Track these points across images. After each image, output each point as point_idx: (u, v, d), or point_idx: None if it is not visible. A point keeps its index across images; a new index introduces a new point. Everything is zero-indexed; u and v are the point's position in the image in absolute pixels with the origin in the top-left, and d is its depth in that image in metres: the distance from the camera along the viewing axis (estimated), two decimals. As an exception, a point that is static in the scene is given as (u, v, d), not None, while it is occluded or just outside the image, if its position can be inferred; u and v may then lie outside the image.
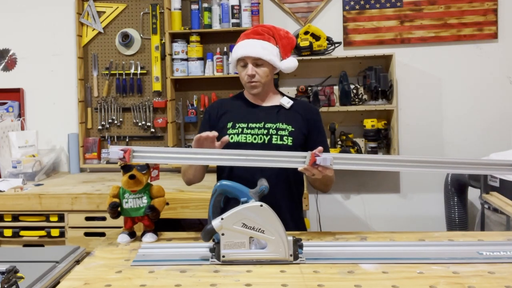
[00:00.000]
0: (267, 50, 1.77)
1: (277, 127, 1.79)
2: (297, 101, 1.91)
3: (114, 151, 1.56)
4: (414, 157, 1.64)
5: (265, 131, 1.78)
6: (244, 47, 1.79)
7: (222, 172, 1.83)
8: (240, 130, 1.80)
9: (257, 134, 1.78)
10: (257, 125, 1.80)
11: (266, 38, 1.79)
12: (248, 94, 1.90)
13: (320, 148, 1.55)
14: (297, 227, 1.80)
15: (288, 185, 1.81)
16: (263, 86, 1.82)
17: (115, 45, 3.24)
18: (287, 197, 1.81)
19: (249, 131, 1.79)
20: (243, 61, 1.80)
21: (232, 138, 1.78)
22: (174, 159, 1.66)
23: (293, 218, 1.81)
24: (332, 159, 1.53)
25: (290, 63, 1.83)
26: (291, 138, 1.78)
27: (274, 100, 1.88)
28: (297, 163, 1.56)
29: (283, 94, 1.93)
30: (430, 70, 3.11)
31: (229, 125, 1.82)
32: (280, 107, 1.85)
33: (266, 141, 1.77)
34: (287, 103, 1.85)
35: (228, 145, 1.75)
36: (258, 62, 1.78)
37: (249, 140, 1.78)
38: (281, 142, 1.77)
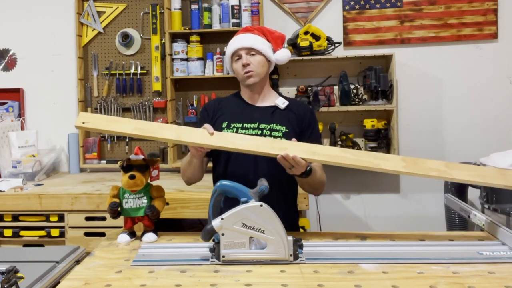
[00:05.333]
0: (258, 41, 1.84)
1: (271, 128, 1.81)
2: (292, 101, 1.92)
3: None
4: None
5: (259, 132, 1.80)
6: (236, 41, 1.85)
7: (217, 169, 1.85)
8: (234, 130, 1.81)
9: (251, 135, 1.79)
10: (252, 125, 1.81)
11: (257, 34, 1.87)
12: (245, 93, 1.91)
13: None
14: (292, 229, 1.79)
15: (281, 187, 1.81)
16: (259, 77, 1.83)
17: (115, 45, 3.24)
18: (280, 199, 1.80)
19: (243, 131, 1.80)
20: (237, 55, 1.84)
21: None
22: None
23: (287, 220, 1.79)
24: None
25: (283, 53, 1.87)
26: (285, 139, 1.78)
27: (270, 100, 1.89)
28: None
29: (279, 94, 1.95)
30: (430, 70, 3.11)
31: (224, 124, 1.83)
32: (275, 108, 1.87)
33: None
34: (282, 103, 1.87)
35: None
36: (251, 52, 1.82)
37: None
38: None
